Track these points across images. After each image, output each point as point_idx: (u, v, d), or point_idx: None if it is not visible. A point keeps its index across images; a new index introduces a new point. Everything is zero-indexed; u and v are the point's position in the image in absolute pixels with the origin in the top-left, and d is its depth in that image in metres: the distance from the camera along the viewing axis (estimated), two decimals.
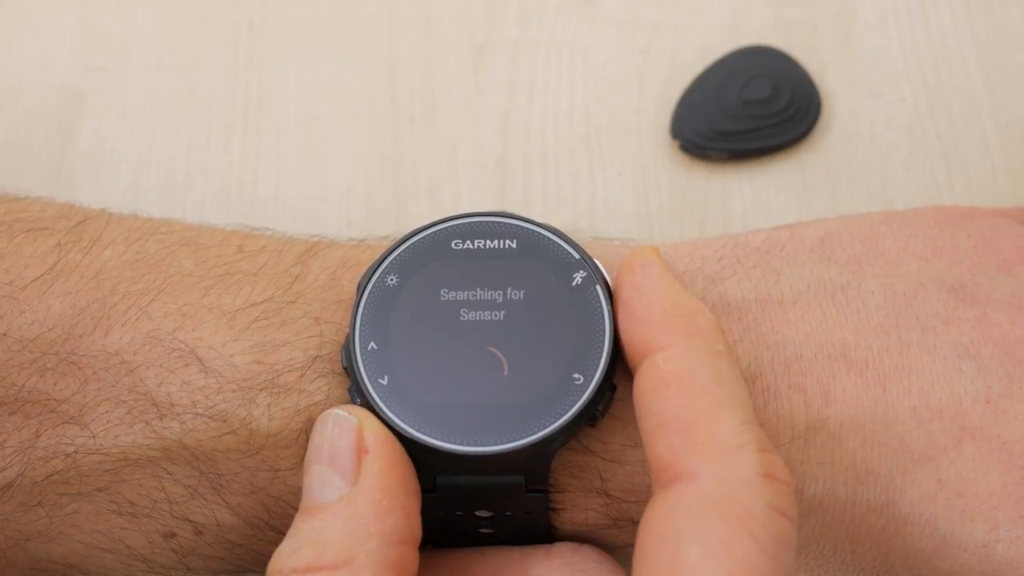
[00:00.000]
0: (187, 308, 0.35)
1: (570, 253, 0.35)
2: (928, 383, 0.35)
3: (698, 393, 0.31)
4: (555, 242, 0.35)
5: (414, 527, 0.32)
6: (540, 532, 0.35)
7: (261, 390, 0.34)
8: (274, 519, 0.35)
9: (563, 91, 0.50)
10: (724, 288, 0.36)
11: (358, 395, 0.33)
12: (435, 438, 0.33)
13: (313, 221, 0.47)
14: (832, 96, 0.49)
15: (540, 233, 0.35)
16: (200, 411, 0.34)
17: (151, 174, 0.48)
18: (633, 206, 0.47)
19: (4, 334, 0.34)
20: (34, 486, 0.34)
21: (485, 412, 0.33)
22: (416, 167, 0.48)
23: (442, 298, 0.34)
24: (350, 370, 0.34)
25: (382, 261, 0.35)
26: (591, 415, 0.33)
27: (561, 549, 0.35)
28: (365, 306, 0.34)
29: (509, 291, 0.34)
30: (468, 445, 0.32)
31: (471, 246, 0.35)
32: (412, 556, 0.32)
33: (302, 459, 0.34)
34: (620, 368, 0.34)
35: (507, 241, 0.35)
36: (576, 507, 0.35)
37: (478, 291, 0.34)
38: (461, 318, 0.34)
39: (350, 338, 0.34)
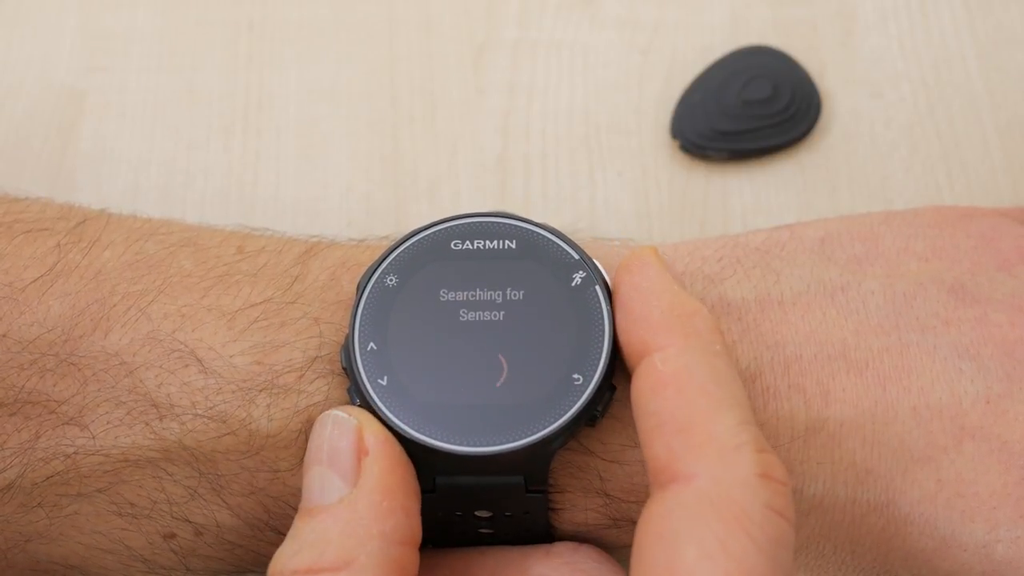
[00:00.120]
0: (187, 309, 0.35)
1: (569, 253, 0.35)
2: (928, 383, 0.35)
3: (695, 393, 0.31)
4: (554, 242, 0.35)
5: (414, 528, 0.32)
6: (540, 532, 0.35)
7: (261, 391, 0.34)
8: (274, 520, 0.35)
9: (563, 91, 0.50)
10: (724, 288, 0.36)
11: (357, 396, 0.33)
12: (434, 438, 0.33)
13: (313, 221, 0.47)
14: (832, 96, 0.49)
15: (539, 233, 0.35)
16: (200, 412, 0.34)
17: (151, 174, 0.48)
18: (633, 206, 0.47)
19: (4, 335, 0.34)
20: (34, 487, 0.34)
21: (484, 412, 0.33)
22: (416, 167, 0.48)
23: (442, 298, 0.34)
24: (349, 370, 0.34)
25: (382, 261, 0.35)
26: (590, 415, 0.33)
27: (561, 549, 0.35)
28: (364, 306, 0.34)
29: (508, 291, 0.34)
30: (467, 445, 0.32)
31: (471, 246, 0.35)
32: (412, 557, 0.32)
33: (302, 460, 0.34)
34: (619, 368, 0.34)
35: (507, 241, 0.35)
36: (576, 507, 0.35)
37: (478, 291, 0.34)
38: (461, 318, 0.34)
39: (349, 338, 0.34)
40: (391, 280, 0.35)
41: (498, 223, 0.36)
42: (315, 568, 0.30)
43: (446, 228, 0.36)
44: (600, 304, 0.34)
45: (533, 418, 0.33)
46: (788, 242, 0.38)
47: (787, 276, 0.37)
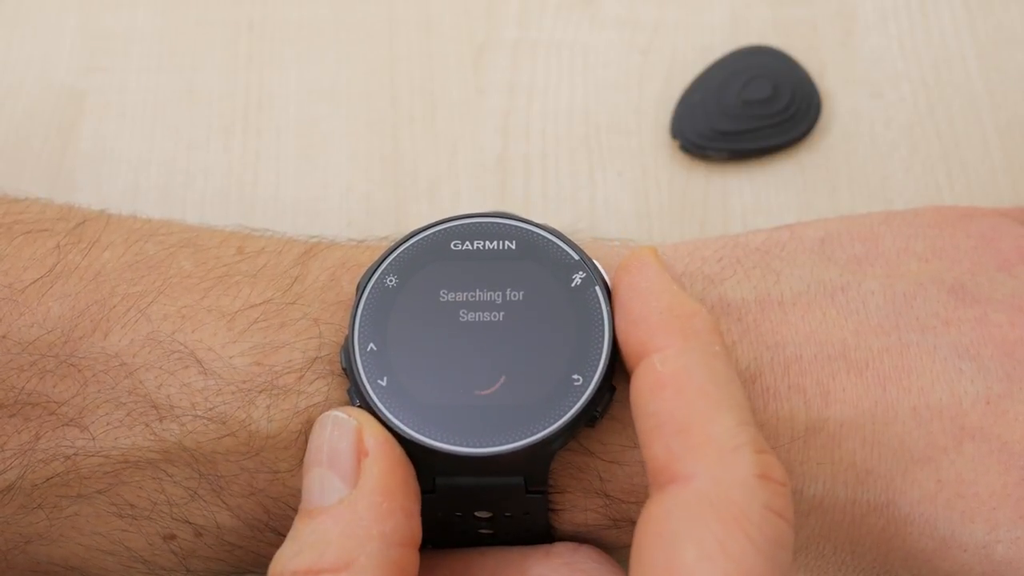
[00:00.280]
0: (186, 310, 0.35)
1: (569, 254, 0.35)
2: (928, 383, 0.35)
3: (694, 394, 0.31)
4: (554, 243, 0.35)
5: (414, 529, 0.32)
6: (540, 533, 0.35)
7: (260, 392, 0.34)
8: (274, 520, 0.35)
9: (563, 91, 0.50)
10: (724, 288, 0.36)
11: (357, 396, 0.33)
12: (434, 439, 0.33)
13: (313, 221, 0.47)
14: (832, 96, 0.49)
15: (539, 234, 0.35)
16: (199, 413, 0.34)
17: (151, 174, 0.48)
18: (633, 206, 0.47)
19: (3, 336, 0.34)
20: (34, 488, 0.34)
21: (484, 413, 0.33)
22: (416, 167, 0.48)
23: (441, 299, 0.34)
24: (349, 371, 0.34)
25: (381, 262, 0.35)
26: (590, 416, 0.33)
27: (560, 549, 0.35)
28: (364, 307, 0.34)
29: (508, 292, 0.34)
30: (467, 446, 0.32)
31: (470, 247, 0.35)
32: (412, 558, 0.32)
33: (301, 461, 0.34)
34: (619, 369, 0.34)
35: (506, 242, 0.35)
36: (576, 508, 0.35)
37: (477, 292, 0.34)
38: (460, 319, 0.34)
39: (349, 339, 0.34)
40: (391, 281, 0.35)
41: (498, 223, 0.36)
42: (315, 569, 0.30)
43: (446, 228, 0.36)
44: (600, 305, 0.34)
45: (533, 419, 0.33)
46: (788, 242, 0.38)
47: (787, 276, 0.37)
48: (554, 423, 0.32)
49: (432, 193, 0.48)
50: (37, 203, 0.38)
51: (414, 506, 0.32)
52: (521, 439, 0.32)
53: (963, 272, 0.37)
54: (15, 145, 0.49)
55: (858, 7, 0.51)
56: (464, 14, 0.52)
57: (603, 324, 0.34)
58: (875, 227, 0.38)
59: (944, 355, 0.35)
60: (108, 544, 0.35)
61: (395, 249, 0.35)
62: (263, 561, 0.36)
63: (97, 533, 0.35)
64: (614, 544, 0.36)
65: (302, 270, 0.36)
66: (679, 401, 0.31)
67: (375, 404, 0.33)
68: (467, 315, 0.34)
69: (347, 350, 0.34)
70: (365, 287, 0.35)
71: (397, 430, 0.33)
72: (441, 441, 0.32)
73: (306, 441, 0.34)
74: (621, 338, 0.33)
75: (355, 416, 0.32)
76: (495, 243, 0.35)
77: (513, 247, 0.35)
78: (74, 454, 0.34)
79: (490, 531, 0.35)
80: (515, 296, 0.34)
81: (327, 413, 0.33)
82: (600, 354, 0.33)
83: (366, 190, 0.48)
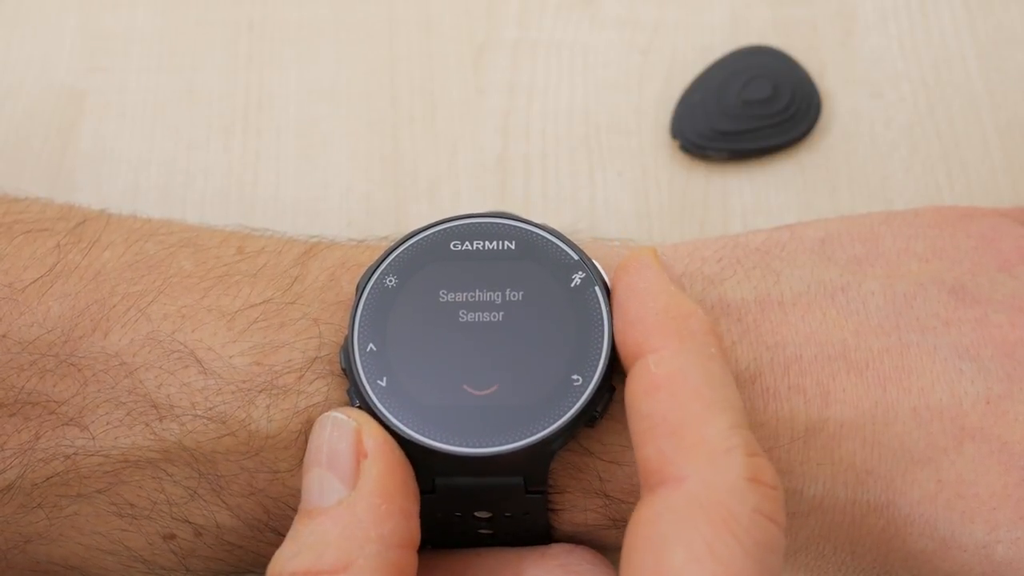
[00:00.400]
0: (186, 309, 0.35)
1: (569, 254, 0.35)
2: (928, 384, 0.35)
3: (688, 396, 0.31)
4: (554, 243, 0.35)
5: (413, 531, 0.32)
6: (539, 533, 0.35)
7: (260, 391, 0.34)
8: (273, 520, 0.35)
9: (563, 91, 0.50)
10: (724, 289, 0.36)
11: (357, 397, 0.33)
12: (434, 439, 0.32)
13: (313, 221, 0.47)
14: (832, 96, 0.49)
15: (539, 234, 0.35)
16: (199, 413, 0.34)
17: (151, 174, 0.48)
18: (633, 206, 0.47)
19: (3, 336, 0.34)
20: (34, 488, 0.34)
21: (484, 413, 0.33)
22: (416, 167, 0.48)
23: (441, 299, 0.34)
24: (349, 371, 0.34)
25: (381, 262, 0.35)
26: (590, 416, 0.33)
27: (556, 550, 0.35)
28: (364, 307, 0.34)
29: (508, 292, 0.34)
30: (467, 446, 0.32)
31: (470, 247, 0.35)
32: (411, 559, 0.32)
33: (301, 461, 0.34)
34: (618, 369, 0.34)
35: (506, 242, 0.35)
36: (575, 508, 0.35)
37: (477, 292, 0.34)
38: (460, 319, 0.34)
39: (349, 339, 0.34)
40: (390, 281, 0.35)
41: (497, 224, 0.36)
42: (314, 570, 0.30)
43: (445, 229, 0.36)
44: (599, 305, 0.34)
45: (532, 419, 0.33)
46: (788, 242, 0.38)
47: (787, 277, 0.37)
48: (554, 423, 0.32)
49: (432, 193, 0.48)
50: (37, 203, 0.38)
51: (413, 508, 0.32)
52: (520, 439, 0.32)
53: (963, 272, 0.37)
54: (15, 145, 0.49)
55: (858, 7, 0.51)
56: (464, 14, 0.52)
57: (603, 324, 0.34)
58: (875, 227, 0.38)
59: (944, 356, 0.35)
60: (108, 543, 0.35)
61: (395, 249, 0.35)
62: (263, 561, 0.36)
63: (97, 532, 0.35)
64: (614, 544, 0.36)
65: (302, 270, 0.36)
66: (672, 403, 0.31)
67: (374, 404, 0.33)
68: (467, 315, 0.34)
69: (347, 350, 0.34)
70: (365, 287, 0.35)
71: (397, 430, 0.33)
72: (440, 441, 0.32)
73: (306, 441, 0.34)
74: (618, 339, 0.33)
75: (354, 417, 0.32)
76: (495, 243, 0.35)
77: (512, 247, 0.35)
78: (74, 453, 0.34)
79: (490, 531, 0.35)
80: (514, 296, 0.34)
81: (327, 414, 0.33)
82: (600, 354, 0.33)
83: (366, 190, 0.48)
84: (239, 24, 0.52)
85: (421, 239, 0.35)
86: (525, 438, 0.32)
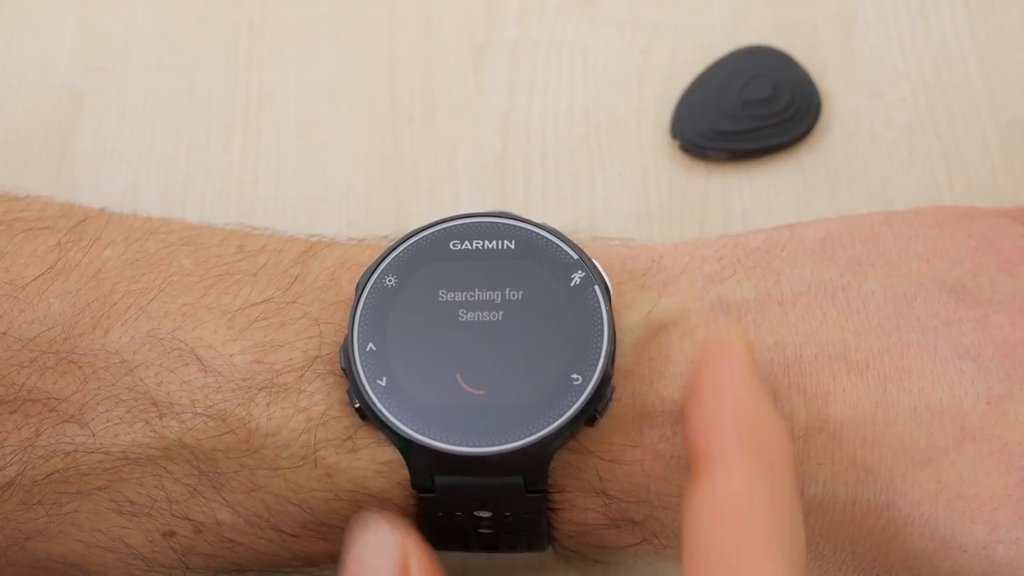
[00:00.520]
0: (187, 308, 0.35)
1: (568, 253, 0.35)
2: (929, 384, 0.35)
3: (749, 531, 0.29)
4: (553, 242, 0.35)
5: None
6: (539, 532, 0.35)
7: (260, 390, 0.34)
8: (274, 517, 0.35)
9: (563, 91, 0.50)
10: (723, 288, 0.36)
11: (356, 396, 0.33)
12: (433, 439, 0.33)
13: (313, 221, 0.47)
14: (832, 96, 0.49)
15: (538, 233, 0.35)
16: (199, 410, 0.34)
17: (151, 174, 0.48)
18: (633, 206, 0.47)
19: (4, 333, 0.34)
20: (34, 485, 0.34)
21: (483, 413, 0.33)
22: (416, 167, 0.48)
23: (440, 299, 0.34)
24: (348, 371, 0.34)
25: (380, 262, 0.35)
26: (590, 415, 0.33)
27: None
28: (363, 307, 0.34)
29: (507, 292, 0.34)
30: (466, 446, 0.32)
31: (469, 247, 0.35)
32: None
33: (301, 457, 0.34)
34: (618, 368, 0.34)
35: (505, 242, 0.35)
36: (575, 507, 0.35)
37: (476, 292, 0.34)
38: (459, 319, 0.34)
39: (348, 339, 0.34)
40: (390, 280, 0.35)
41: (497, 223, 0.36)
42: None
43: (445, 228, 0.36)
44: (599, 304, 0.34)
45: (532, 418, 0.33)
46: (789, 242, 0.38)
47: (787, 276, 0.37)
48: (553, 422, 0.32)
49: (432, 193, 0.48)
50: (38, 201, 0.38)
51: None
52: (520, 438, 0.32)
53: (964, 273, 0.37)
54: (15, 145, 0.49)
55: (858, 7, 0.51)
56: (464, 14, 0.52)
57: (602, 323, 0.34)
58: (876, 227, 0.38)
59: (945, 356, 0.35)
60: (107, 541, 0.35)
61: (394, 249, 0.35)
62: (263, 559, 0.36)
63: (96, 530, 0.35)
64: (614, 544, 0.36)
65: (302, 269, 0.36)
66: (731, 533, 0.29)
67: (374, 404, 0.33)
68: (466, 315, 0.34)
69: (346, 350, 0.34)
70: (364, 287, 0.35)
71: (396, 429, 0.33)
72: (440, 441, 0.32)
73: (307, 439, 0.34)
74: (691, 434, 0.31)
75: (395, 532, 0.30)
76: (494, 243, 0.35)
77: (512, 247, 0.35)
78: (74, 451, 0.34)
79: (490, 531, 0.35)
80: (514, 296, 0.34)
81: (367, 520, 0.31)
82: (599, 353, 0.33)
83: (366, 190, 0.48)
84: (239, 24, 0.52)
85: (421, 238, 0.35)
86: (525, 437, 0.32)
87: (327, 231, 0.44)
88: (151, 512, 0.35)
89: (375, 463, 0.34)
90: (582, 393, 0.33)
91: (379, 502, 0.34)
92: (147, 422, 0.34)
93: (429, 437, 0.32)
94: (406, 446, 0.33)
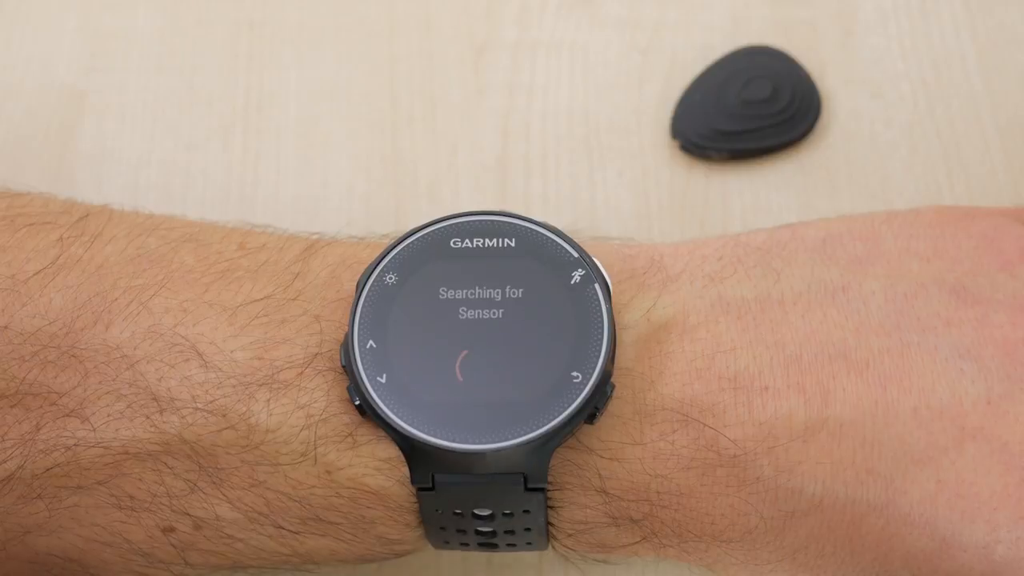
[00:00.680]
0: (188, 304, 0.35)
1: (569, 251, 0.35)
2: (929, 384, 0.35)
3: None
4: (554, 240, 0.35)
5: None
6: (538, 531, 0.35)
7: (261, 386, 0.34)
8: (274, 513, 0.35)
9: (563, 91, 0.50)
10: (724, 287, 0.36)
11: (357, 394, 0.33)
12: (433, 436, 0.33)
13: (313, 221, 0.47)
14: (832, 96, 0.49)
15: (539, 232, 0.35)
16: (200, 406, 0.34)
17: (151, 174, 0.48)
18: (633, 206, 0.47)
19: (5, 327, 0.34)
20: (34, 479, 0.34)
21: (483, 410, 0.33)
22: (416, 167, 0.48)
23: (441, 296, 0.34)
24: (349, 368, 0.34)
25: (381, 259, 0.35)
26: (590, 413, 0.33)
27: None
28: (364, 304, 0.34)
29: (508, 289, 0.34)
30: (466, 443, 0.32)
31: (470, 245, 0.35)
32: None
33: (301, 454, 0.34)
34: (618, 366, 0.34)
35: (506, 240, 0.35)
36: (575, 505, 0.35)
37: (477, 289, 0.34)
38: (460, 316, 0.34)
39: (349, 336, 0.34)
40: (391, 278, 0.35)
41: (497, 221, 0.36)
42: None
43: (445, 226, 0.36)
44: (599, 302, 0.34)
45: (532, 416, 0.33)
46: (789, 242, 0.38)
47: (788, 276, 0.37)
48: (553, 420, 0.32)
49: (432, 193, 0.48)
50: (40, 197, 0.38)
51: None
52: (520, 436, 0.32)
53: (964, 272, 0.37)
54: (15, 145, 0.49)
55: (858, 7, 0.51)
56: (464, 14, 0.52)
57: (602, 321, 0.34)
58: (876, 227, 0.38)
59: (945, 355, 0.35)
60: (107, 536, 0.35)
61: (395, 247, 0.35)
62: (262, 555, 0.36)
63: (96, 524, 0.35)
64: (614, 544, 0.36)
65: (303, 266, 0.36)
66: None
67: (374, 401, 0.33)
68: (466, 312, 0.34)
69: (347, 347, 0.34)
70: (365, 284, 0.35)
71: (396, 427, 0.33)
72: (440, 438, 0.32)
73: (307, 436, 0.34)
74: None
75: None
76: (494, 241, 0.35)
77: (512, 245, 0.35)
78: (74, 445, 0.34)
79: (489, 529, 0.35)
80: (514, 293, 0.34)
81: None
82: (599, 351, 0.33)
83: (366, 190, 0.48)
84: (239, 24, 0.52)
85: (421, 236, 0.35)
86: (525, 435, 0.32)
87: (327, 231, 0.44)
88: (151, 507, 0.35)
89: (375, 460, 0.34)
90: (582, 391, 0.33)
91: (379, 499, 0.34)
92: (147, 417, 0.34)
93: (429, 434, 0.32)
94: (406, 443, 0.33)
